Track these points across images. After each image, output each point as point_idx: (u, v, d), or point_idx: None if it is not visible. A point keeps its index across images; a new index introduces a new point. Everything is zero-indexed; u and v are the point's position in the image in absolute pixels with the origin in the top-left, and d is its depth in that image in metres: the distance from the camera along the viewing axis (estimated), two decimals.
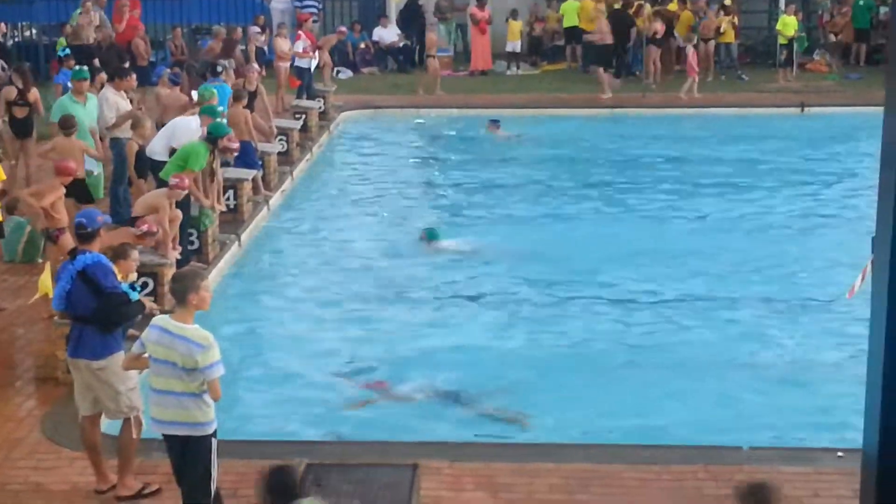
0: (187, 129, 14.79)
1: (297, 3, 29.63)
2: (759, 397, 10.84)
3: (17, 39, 29.31)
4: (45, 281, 11.11)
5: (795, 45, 27.62)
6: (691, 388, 10.91)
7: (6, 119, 17.42)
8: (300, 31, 24.38)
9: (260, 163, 17.55)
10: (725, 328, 12.74)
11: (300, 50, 23.67)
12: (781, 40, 27.78)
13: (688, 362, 11.57)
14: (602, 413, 10.40)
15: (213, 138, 14.03)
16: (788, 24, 27.58)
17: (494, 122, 23.26)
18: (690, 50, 26.48)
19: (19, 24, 30.18)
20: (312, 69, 24.12)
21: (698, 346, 12.16)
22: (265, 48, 25.28)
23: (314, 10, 29.59)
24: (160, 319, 7.58)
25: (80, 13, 24.05)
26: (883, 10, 29.92)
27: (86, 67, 17.08)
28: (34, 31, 29.77)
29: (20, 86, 17.24)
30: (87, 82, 16.07)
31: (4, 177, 12.95)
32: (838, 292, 12.67)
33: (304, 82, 23.82)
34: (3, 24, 26.33)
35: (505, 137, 22.89)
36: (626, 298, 13.58)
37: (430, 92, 26.56)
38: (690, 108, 25.14)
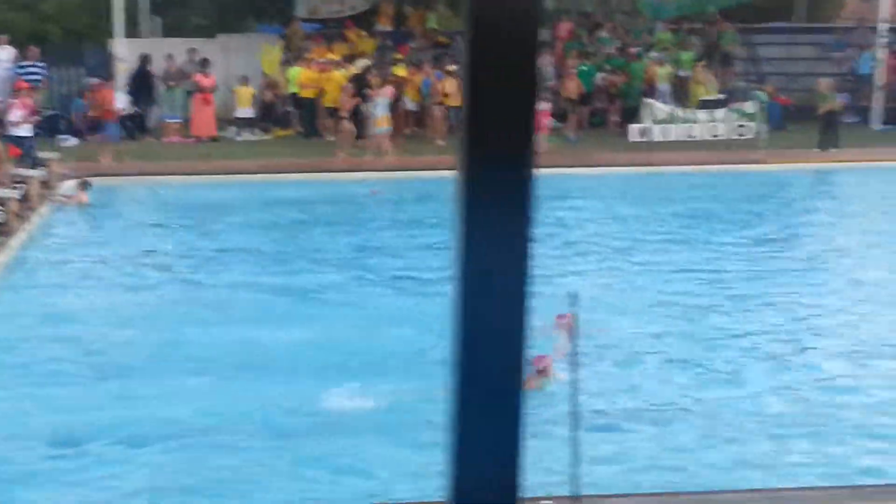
0: None
1: (20, 71, 28.94)
2: None
3: None
4: None
5: None
6: None
7: None
8: (17, 100, 23.70)
9: None
10: None
11: (16, 119, 23.00)
12: None
13: None
14: None
15: None
16: None
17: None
18: None
19: None
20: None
21: None
22: None
23: (38, 79, 28.97)
24: None
25: None
26: (600, 74, 31.60)
27: None
28: None
29: None
30: None
31: None
32: None
33: (25, 150, 23.11)
34: None
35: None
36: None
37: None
38: None
